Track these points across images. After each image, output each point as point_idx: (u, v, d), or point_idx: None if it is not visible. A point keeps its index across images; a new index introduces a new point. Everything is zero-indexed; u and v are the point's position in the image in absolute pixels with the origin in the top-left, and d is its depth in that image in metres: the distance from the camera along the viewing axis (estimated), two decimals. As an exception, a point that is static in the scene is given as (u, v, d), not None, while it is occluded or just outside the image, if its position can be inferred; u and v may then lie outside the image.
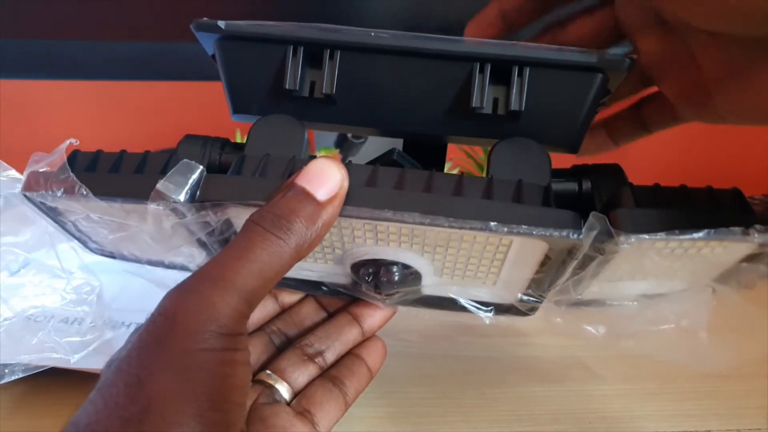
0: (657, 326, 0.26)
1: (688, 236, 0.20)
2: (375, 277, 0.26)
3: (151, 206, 0.22)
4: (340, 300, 0.32)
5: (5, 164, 0.26)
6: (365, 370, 0.29)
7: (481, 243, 0.23)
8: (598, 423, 0.33)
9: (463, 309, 0.29)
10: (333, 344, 0.30)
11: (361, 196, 0.21)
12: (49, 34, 0.42)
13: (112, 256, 0.32)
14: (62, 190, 0.23)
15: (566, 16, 0.26)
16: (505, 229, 0.20)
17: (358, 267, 0.27)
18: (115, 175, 0.24)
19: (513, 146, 0.24)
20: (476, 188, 0.22)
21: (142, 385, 0.18)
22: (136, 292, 0.42)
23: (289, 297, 0.32)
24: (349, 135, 0.61)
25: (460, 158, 0.75)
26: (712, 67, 0.22)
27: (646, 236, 0.20)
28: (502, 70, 0.23)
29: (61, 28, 0.41)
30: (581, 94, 0.23)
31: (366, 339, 0.31)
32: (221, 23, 0.24)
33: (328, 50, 0.24)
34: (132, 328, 0.37)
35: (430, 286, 0.29)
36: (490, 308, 0.29)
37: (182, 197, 0.22)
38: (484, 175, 0.24)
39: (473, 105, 0.23)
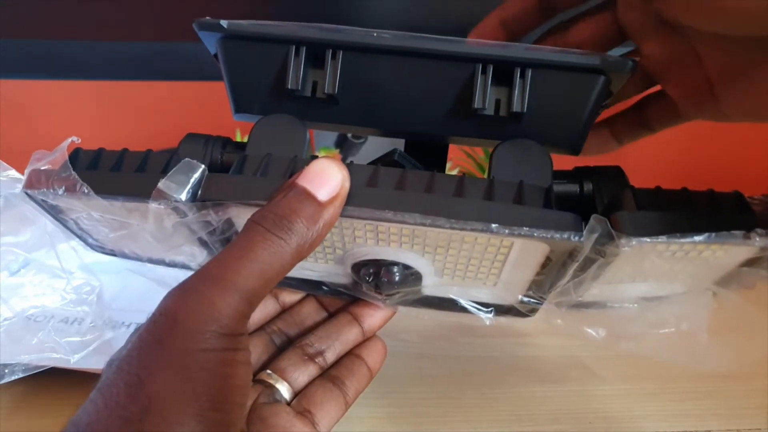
0: (657, 329, 0.26)
1: (689, 239, 0.20)
2: (376, 277, 0.26)
3: (153, 205, 0.22)
4: (340, 300, 0.32)
5: (5, 164, 0.26)
6: (365, 370, 0.29)
7: (482, 244, 0.23)
8: (598, 423, 0.33)
9: (464, 310, 0.29)
10: (333, 344, 0.30)
11: (362, 197, 0.21)
12: (49, 34, 0.42)
13: (113, 254, 0.32)
14: (64, 188, 0.23)
15: (568, 20, 0.27)
16: (506, 231, 0.20)
17: (358, 267, 0.27)
18: (117, 173, 0.24)
19: (515, 147, 0.24)
20: (477, 189, 0.22)
21: (142, 384, 0.18)
22: (136, 292, 0.42)
23: (290, 296, 0.32)
24: (349, 135, 0.61)
25: (460, 158, 0.75)
26: (715, 67, 0.23)
27: (647, 239, 0.20)
28: (504, 72, 0.23)
29: (61, 28, 0.41)
30: (583, 96, 0.23)
31: (366, 339, 0.31)
32: (224, 22, 0.24)
33: (331, 50, 0.24)
34: (132, 328, 0.37)
35: (430, 286, 0.29)
36: (490, 309, 0.29)
37: (184, 196, 0.22)
38: (484, 175, 0.24)
39: (475, 106, 0.23)
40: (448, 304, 0.30)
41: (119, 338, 0.36)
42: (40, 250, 0.39)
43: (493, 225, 0.20)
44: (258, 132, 0.25)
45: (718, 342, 0.25)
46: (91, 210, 0.25)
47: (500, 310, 0.29)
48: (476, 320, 0.29)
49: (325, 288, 0.31)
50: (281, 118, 0.25)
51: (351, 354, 0.30)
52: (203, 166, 0.23)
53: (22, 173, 0.25)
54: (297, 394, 0.28)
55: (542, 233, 0.20)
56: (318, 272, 0.30)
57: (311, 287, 0.31)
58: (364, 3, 0.37)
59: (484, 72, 0.23)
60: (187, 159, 0.23)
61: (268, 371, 0.28)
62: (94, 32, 0.42)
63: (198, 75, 0.46)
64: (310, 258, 0.28)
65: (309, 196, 0.21)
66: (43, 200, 0.25)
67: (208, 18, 0.24)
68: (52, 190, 0.23)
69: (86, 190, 0.23)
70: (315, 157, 0.22)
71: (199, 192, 0.22)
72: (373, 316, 0.31)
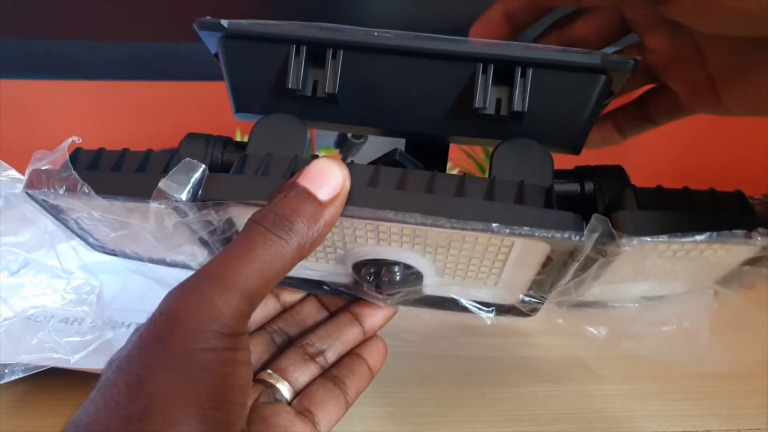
0: (658, 328, 0.26)
1: (690, 239, 0.20)
2: (376, 276, 0.26)
3: (153, 205, 0.22)
4: (341, 299, 0.32)
5: (5, 164, 0.26)
6: (366, 370, 0.29)
7: (483, 244, 0.23)
8: (599, 423, 0.33)
9: (465, 309, 0.29)
10: (334, 344, 0.30)
11: (362, 196, 0.21)
12: (49, 34, 0.42)
13: (113, 253, 0.32)
14: (64, 187, 0.23)
15: (572, 14, 0.27)
16: (507, 231, 0.20)
17: (359, 267, 0.27)
18: (117, 173, 0.24)
19: (515, 147, 0.24)
20: (478, 189, 0.22)
21: (142, 384, 0.18)
22: (136, 292, 0.42)
23: (291, 296, 0.32)
24: (350, 135, 0.61)
25: (461, 158, 0.75)
26: (716, 66, 0.23)
27: (648, 239, 0.20)
28: (505, 71, 0.23)
29: (61, 28, 0.41)
30: (584, 95, 0.23)
31: (367, 339, 0.31)
32: (224, 22, 0.24)
33: (331, 50, 0.24)
34: (132, 328, 0.37)
35: (431, 286, 0.29)
36: (491, 309, 0.29)
37: (184, 196, 0.22)
38: (484, 175, 0.24)
39: (476, 105, 0.23)
40: (449, 304, 0.30)
41: (119, 338, 0.36)
42: (40, 250, 0.39)
43: (494, 225, 0.20)
44: (258, 132, 0.25)
45: (718, 342, 0.25)
46: (92, 210, 0.25)
47: (501, 309, 0.29)
48: (477, 320, 0.29)
49: (325, 287, 0.31)
50: (282, 118, 0.25)
51: (352, 354, 0.30)
52: (204, 165, 0.23)
53: (23, 173, 0.25)
54: (298, 393, 0.28)
55: (543, 233, 0.20)
56: (319, 272, 0.30)
57: (312, 287, 0.31)
58: (364, 3, 0.37)
59: (484, 71, 0.23)
60: (187, 159, 0.23)
61: (269, 371, 0.28)
62: (94, 32, 0.42)
63: (198, 75, 0.46)
64: (311, 257, 0.28)
65: (310, 196, 0.21)
66: (43, 200, 0.25)
67: (208, 18, 0.24)
68: (52, 190, 0.23)
69: (87, 190, 0.23)
70: (316, 157, 0.22)
71: (200, 192, 0.22)
72: (374, 316, 0.31)
